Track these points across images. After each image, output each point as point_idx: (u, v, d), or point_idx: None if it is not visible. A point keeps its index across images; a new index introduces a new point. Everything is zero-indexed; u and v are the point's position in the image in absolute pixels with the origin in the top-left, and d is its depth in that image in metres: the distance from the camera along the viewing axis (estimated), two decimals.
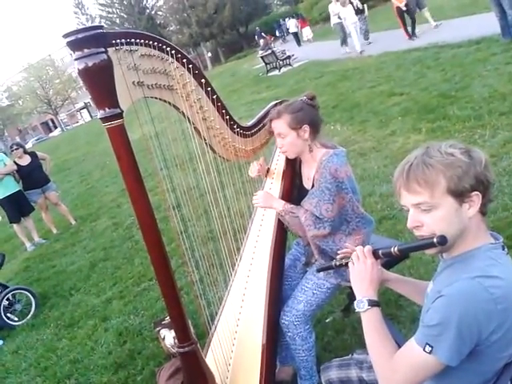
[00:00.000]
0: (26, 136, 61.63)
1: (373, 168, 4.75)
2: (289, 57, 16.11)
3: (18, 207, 6.67)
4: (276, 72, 15.99)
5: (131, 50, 1.54)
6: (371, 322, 1.30)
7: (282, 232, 2.25)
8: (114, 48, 1.48)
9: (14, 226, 6.88)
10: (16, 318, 4.49)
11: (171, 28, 50.42)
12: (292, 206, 2.11)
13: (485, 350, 1.13)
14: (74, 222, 7.34)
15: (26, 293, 4.68)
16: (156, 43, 1.62)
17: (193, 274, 2.20)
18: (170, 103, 1.78)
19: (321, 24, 30.76)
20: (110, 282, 4.59)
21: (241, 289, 2.25)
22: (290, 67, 15.67)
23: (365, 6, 13.46)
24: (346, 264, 1.44)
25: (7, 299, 4.53)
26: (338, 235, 2.02)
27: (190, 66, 1.76)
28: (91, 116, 51.22)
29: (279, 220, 2.20)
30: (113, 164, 9.53)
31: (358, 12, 12.98)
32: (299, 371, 2.20)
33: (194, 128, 1.93)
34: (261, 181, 2.47)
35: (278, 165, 2.41)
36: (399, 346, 1.24)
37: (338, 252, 1.60)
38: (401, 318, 2.55)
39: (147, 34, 1.61)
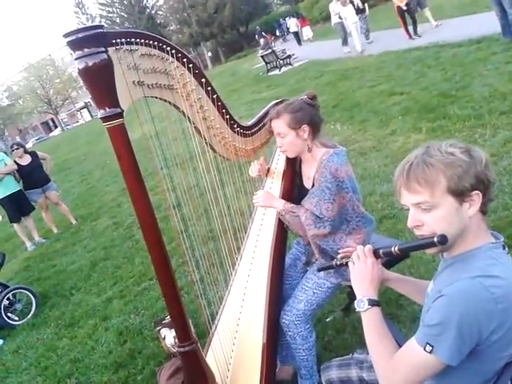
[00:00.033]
0: (27, 136, 61.65)
1: (373, 167, 4.75)
2: (289, 56, 16.10)
3: (18, 207, 6.67)
4: (276, 71, 15.99)
5: (131, 50, 1.54)
6: (371, 322, 1.30)
7: (283, 231, 2.25)
8: (114, 47, 1.48)
9: (15, 225, 6.89)
10: (16, 318, 4.49)
11: (171, 27, 50.42)
12: (292, 205, 2.11)
13: (485, 349, 1.13)
14: (74, 222, 7.35)
15: (27, 292, 4.68)
16: (156, 43, 1.62)
17: (193, 273, 2.20)
18: (170, 103, 1.78)
19: (321, 23, 30.78)
20: (110, 281, 4.60)
21: (241, 288, 2.25)
22: (290, 66, 15.67)
23: (365, 5, 13.45)
24: (347, 263, 1.44)
25: (8, 299, 4.53)
26: (338, 234, 2.02)
27: (190, 65, 1.76)
28: (91, 115, 51.20)
29: (279, 219, 2.20)
30: (113, 163, 9.54)
31: (359, 11, 12.97)
32: (299, 370, 2.20)
33: (194, 127, 1.92)
34: (261, 180, 2.47)
35: (279, 164, 2.41)
36: (400, 346, 1.24)
37: (339, 251, 1.60)
38: (401, 317, 2.55)
39: (147, 33, 1.60)
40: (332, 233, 2.00)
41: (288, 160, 2.29)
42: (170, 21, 50.26)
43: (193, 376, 1.86)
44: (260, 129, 2.28)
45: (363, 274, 1.36)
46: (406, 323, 2.47)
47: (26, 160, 6.78)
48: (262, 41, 22.56)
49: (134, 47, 1.55)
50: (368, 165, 4.87)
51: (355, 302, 1.34)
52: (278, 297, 2.14)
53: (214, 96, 1.93)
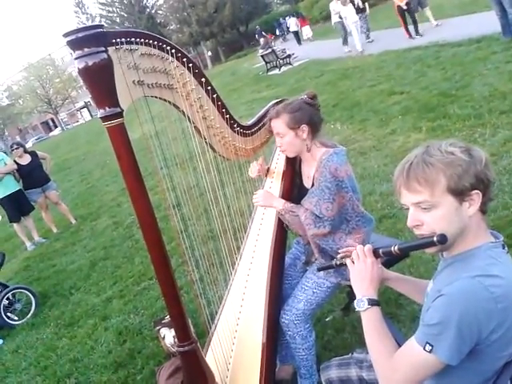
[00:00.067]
0: (27, 135, 61.65)
1: (373, 167, 4.75)
2: (289, 56, 16.11)
3: (18, 206, 6.67)
4: (276, 71, 15.99)
5: (131, 49, 1.54)
6: (371, 321, 1.30)
7: (282, 231, 2.25)
8: (114, 47, 1.48)
9: (14, 225, 6.89)
10: (16, 318, 4.49)
11: (171, 27, 50.38)
12: (292, 204, 2.11)
13: (485, 349, 1.13)
14: (74, 221, 7.35)
15: (26, 292, 4.68)
16: (156, 42, 1.62)
17: (193, 273, 2.20)
18: (170, 102, 1.78)
19: (321, 23, 30.77)
20: (110, 281, 4.60)
21: (241, 288, 2.25)
22: (290, 66, 15.67)
23: (366, 4, 13.44)
24: (347, 263, 1.44)
25: (7, 298, 4.53)
26: (338, 234, 2.02)
27: (190, 65, 1.76)
28: (91, 115, 51.19)
29: (279, 219, 2.20)
30: (113, 163, 9.53)
31: (359, 10, 12.96)
32: (299, 370, 2.20)
33: (194, 127, 1.92)
34: (261, 180, 2.47)
35: (278, 164, 2.41)
36: (399, 345, 1.24)
37: (339, 251, 1.60)
38: (401, 316, 2.55)
39: (147, 33, 1.60)
40: (332, 232, 2.00)
41: (288, 160, 2.29)
42: (169, 20, 50.25)
43: (192, 376, 1.86)
44: (260, 128, 2.28)
45: (363, 274, 1.36)
46: (406, 323, 2.47)
47: (25, 160, 6.78)
48: (261, 40, 22.56)
49: (133, 47, 1.54)
50: (368, 164, 4.87)
51: (355, 301, 1.34)
52: (277, 296, 2.14)
53: (214, 95, 1.93)
